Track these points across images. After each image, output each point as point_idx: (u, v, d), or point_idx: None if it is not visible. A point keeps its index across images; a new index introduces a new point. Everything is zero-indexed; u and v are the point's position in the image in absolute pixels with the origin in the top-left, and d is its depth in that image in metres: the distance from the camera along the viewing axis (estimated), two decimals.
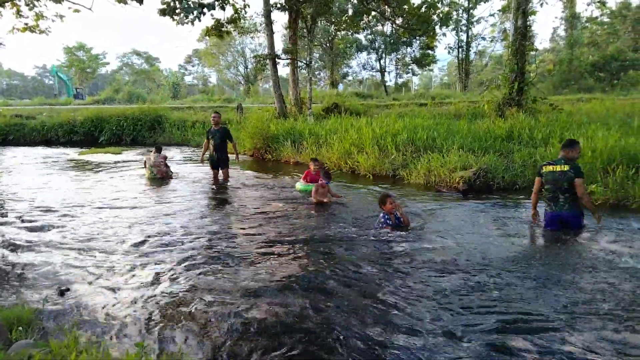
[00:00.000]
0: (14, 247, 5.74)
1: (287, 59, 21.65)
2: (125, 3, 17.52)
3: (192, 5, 17.89)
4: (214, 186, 10.45)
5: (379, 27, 51.45)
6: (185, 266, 5.04)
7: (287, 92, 22.48)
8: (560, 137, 10.65)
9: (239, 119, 20.67)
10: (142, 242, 5.96)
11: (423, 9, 24.83)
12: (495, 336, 3.44)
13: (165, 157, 11.74)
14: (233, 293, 4.32)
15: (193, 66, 78.78)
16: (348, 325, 3.67)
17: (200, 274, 4.83)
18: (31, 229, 6.60)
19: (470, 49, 51.61)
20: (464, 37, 50.57)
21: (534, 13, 16.56)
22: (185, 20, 18.11)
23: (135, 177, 11.61)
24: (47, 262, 5.19)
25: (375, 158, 11.58)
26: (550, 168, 6.12)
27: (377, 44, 53.64)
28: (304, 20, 21.26)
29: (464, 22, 49.52)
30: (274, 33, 20.94)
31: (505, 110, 15.35)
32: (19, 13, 17.68)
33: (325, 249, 5.66)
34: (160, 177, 11.29)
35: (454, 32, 50.30)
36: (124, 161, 15.05)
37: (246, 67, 61.44)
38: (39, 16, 18.73)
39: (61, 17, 19.42)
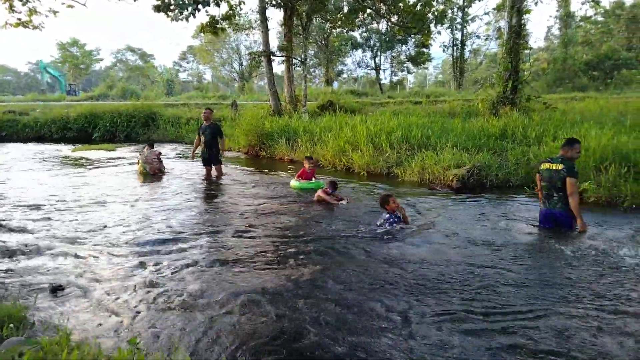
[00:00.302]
0: (4, 244, 5.70)
1: (282, 56, 21.61)
2: None
3: (186, 2, 17.76)
4: (206, 183, 10.42)
5: (374, 25, 51.32)
6: (178, 263, 5.03)
7: (282, 90, 22.45)
8: (553, 136, 10.72)
9: (234, 116, 20.64)
10: (135, 239, 5.94)
11: (418, 7, 24.74)
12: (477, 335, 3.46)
13: (159, 154, 11.72)
14: (228, 291, 4.31)
15: (188, 63, 78.50)
16: (346, 323, 3.68)
17: (193, 271, 4.82)
18: (24, 226, 6.56)
19: (465, 47, 51.58)
20: (458, 35, 50.56)
21: (528, 12, 16.58)
22: (180, 17, 17.98)
23: (128, 174, 11.55)
24: (39, 259, 5.16)
25: (369, 156, 11.60)
26: (547, 166, 6.14)
27: (372, 41, 53.56)
28: (299, 17, 21.22)
29: (458, 20, 49.49)
30: (269, 30, 20.91)
31: (499, 108, 15.41)
32: (11, 8, 17.51)
33: (322, 246, 5.65)
34: (153, 173, 11.29)
35: (448, 30, 50.24)
36: (117, 158, 14.98)
37: (241, 64, 61.19)
38: (32, 11, 18.58)
39: (55, 12, 19.25)
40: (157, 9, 17.98)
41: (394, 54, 56.78)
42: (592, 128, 10.65)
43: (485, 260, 5.02)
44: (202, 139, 10.74)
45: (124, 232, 6.28)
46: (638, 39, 51.95)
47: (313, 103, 23.34)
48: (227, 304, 4.02)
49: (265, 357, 3.20)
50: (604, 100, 21.91)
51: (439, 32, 44.82)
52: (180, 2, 17.71)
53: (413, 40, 47.76)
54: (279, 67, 40.81)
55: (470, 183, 9.33)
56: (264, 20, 20.52)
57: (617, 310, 3.80)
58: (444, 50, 52.83)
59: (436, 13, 29.59)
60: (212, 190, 9.68)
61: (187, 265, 4.96)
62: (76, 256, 5.28)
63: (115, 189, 9.54)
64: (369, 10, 29.08)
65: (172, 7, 17.92)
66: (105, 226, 6.58)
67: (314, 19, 27.89)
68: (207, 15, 19.93)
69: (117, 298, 4.16)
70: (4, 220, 6.81)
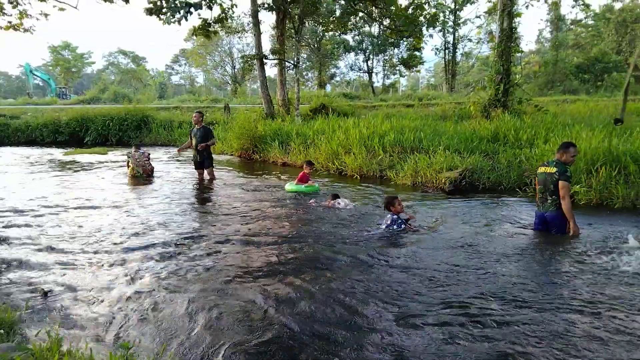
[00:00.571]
0: None
1: (274, 59, 21.62)
2: (112, 2, 17.36)
3: (178, 5, 17.76)
4: (198, 187, 10.38)
5: (367, 28, 51.51)
6: (169, 268, 5.00)
7: (275, 93, 22.45)
8: (545, 138, 10.78)
9: (226, 120, 20.61)
10: (126, 244, 5.90)
11: (410, 10, 24.88)
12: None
13: (148, 154, 11.80)
14: (219, 295, 4.30)
15: (180, 66, 78.35)
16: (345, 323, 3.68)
17: (185, 275, 4.79)
18: (13, 230, 6.51)
19: (457, 50, 51.90)
20: (450, 38, 50.85)
21: (519, 15, 16.73)
22: (172, 20, 17.97)
23: (119, 177, 11.50)
24: (29, 263, 5.12)
25: (362, 159, 11.62)
26: (542, 169, 6.19)
27: (364, 45, 53.67)
28: (291, 20, 21.23)
29: (450, 23, 49.75)
30: (261, 33, 20.90)
31: (491, 111, 15.50)
32: (1, 11, 17.38)
33: (322, 249, 5.66)
34: (147, 175, 11.35)
35: (440, 33, 50.51)
36: (109, 161, 14.91)
37: (234, 67, 61.10)
38: (23, 14, 18.48)
39: (46, 15, 19.18)
40: (149, 12, 17.96)
41: (386, 57, 56.89)
42: (583, 130, 10.73)
43: (477, 264, 5.03)
44: (193, 142, 10.72)
45: (115, 236, 6.24)
46: (627, 43, 52.47)
47: (306, 106, 23.33)
48: (219, 308, 4.00)
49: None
50: (595, 102, 22.10)
51: (430, 35, 45.03)
52: (173, 5, 17.70)
53: (405, 43, 47.91)
54: (271, 70, 40.70)
55: (462, 186, 9.38)
56: (256, 23, 20.51)
57: (600, 313, 3.82)
58: (436, 54, 53.13)
59: (428, 16, 29.68)
60: (203, 194, 9.66)
61: (179, 270, 4.94)
62: (67, 261, 5.23)
63: (106, 193, 9.48)
64: (361, 14, 29.22)
65: (164, 10, 17.90)
66: (96, 231, 6.53)
67: (307, 22, 27.96)
68: (200, 18, 19.95)
69: (109, 303, 4.13)
70: None
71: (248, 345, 3.37)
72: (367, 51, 54.29)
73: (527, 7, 20.53)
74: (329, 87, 56.86)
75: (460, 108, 19.35)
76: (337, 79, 63.59)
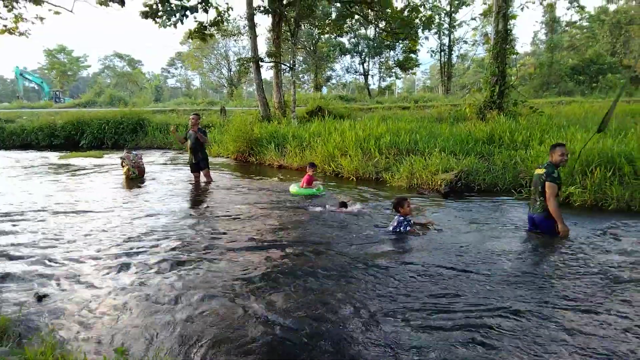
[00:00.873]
0: None
1: (270, 62, 21.62)
2: (107, 5, 17.37)
3: (174, 8, 17.78)
4: (195, 190, 10.36)
5: (363, 31, 51.64)
6: (167, 271, 5.00)
7: (271, 95, 22.45)
8: (540, 140, 10.82)
9: (223, 122, 20.60)
10: (121, 246, 5.89)
11: (406, 13, 24.90)
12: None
13: (141, 155, 12.12)
14: (218, 298, 4.29)
15: (176, 69, 78.29)
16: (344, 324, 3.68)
17: (180, 279, 4.79)
18: (7, 234, 6.48)
19: (453, 52, 52.09)
20: (446, 40, 51.04)
21: (514, 17, 16.77)
22: (168, 23, 17.97)
23: (114, 180, 11.47)
24: (24, 267, 5.10)
25: (358, 161, 11.63)
26: (535, 171, 6.24)
27: (360, 47, 53.80)
28: (287, 23, 21.24)
29: (446, 25, 49.94)
30: (257, 36, 20.91)
31: (486, 113, 15.53)
32: None
33: (327, 250, 5.67)
34: (141, 176, 11.58)
35: (436, 35, 50.70)
36: (105, 165, 14.86)
37: (230, 70, 61.16)
38: (19, 18, 18.47)
39: (41, 19, 19.20)
40: (145, 15, 17.97)
41: (382, 60, 57.03)
42: (577, 132, 10.78)
43: (469, 265, 5.05)
44: (188, 144, 10.73)
45: (110, 240, 6.22)
46: (622, 44, 52.74)
47: (302, 109, 23.34)
48: (215, 313, 4.00)
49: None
50: (590, 104, 22.18)
51: (426, 38, 45.35)
52: (168, 9, 17.70)
53: (401, 45, 48.05)
54: (267, 73, 40.68)
55: (458, 187, 9.40)
56: (252, 26, 20.51)
57: (584, 312, 3.87)
58: (431, 56, 53.31)
59: (423, 19, 29.78)
60: (200, 197, 9.62)
61: (175, 274, 4.93)
62: (61, 264, 5.22)
63: (101, 196, 9.45)
64: (357, 16, 29.27)
65: (160, 14, 17.90)
66: (91, 233, 6.52)
67: (303, 25, 28.03)
68: (195, 21, 19.94)
69: (103, 307, 4.12)
70: None
71: (243, 349, 3.37)
72: (363, 53, 54.42)
73: (522, 9, 20.73)
74: (325, 90, 57.01)
75: (455, 110, 19.37)
76: (333, 81, 63.69)
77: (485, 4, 31.32)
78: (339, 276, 4.80)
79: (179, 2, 17.80)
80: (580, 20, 54.72)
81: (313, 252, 5.66)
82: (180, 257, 5.45)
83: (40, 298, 4.27)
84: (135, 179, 11.36)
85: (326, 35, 41.62)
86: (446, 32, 50.41)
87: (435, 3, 45.08)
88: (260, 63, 21.02)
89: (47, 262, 5.31)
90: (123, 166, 11.60)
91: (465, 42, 53.66)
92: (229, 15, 20.79)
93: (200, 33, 20.48)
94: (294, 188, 9.45)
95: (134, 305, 4.13)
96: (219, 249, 5.79)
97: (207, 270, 5.01)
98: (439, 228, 6.53)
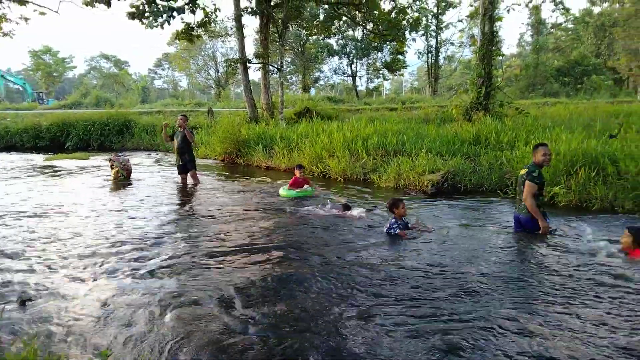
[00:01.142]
0: None
1: (258, 63, 21.60)
2: (93, 6, 17.23)
3: (161, 9, 17.67)
4: (182, 191, 10.30)
5: (350, 32, 51.80)
6: (152, 274, 4.96)
7: (259, 97, 22.41)
8: (525, 141, 10.91)
9: (210, 123, 20.51)
10: (107, 250, 5.83)
11: (393, 15, 25.05)
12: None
13: (128, 159, 12.17)
14: (204, 300, 4.27)
15: (163, 70, 77.79)
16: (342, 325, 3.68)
17: (168, 282, 4.75)
18: None
19: (440, 54, 52.38)
20: (433, 42, 51.34)
21: (500, 19, 16.94)
22: (155, 24, 17.86)
23: (101, 182, 11.37)
24: (6, 271, 5.03)
25: (346, 162, 11.65)
26: (520, 172, 6.31)
27: (348, 48, 53.95)
28: (275, 24, 21.23)
29: (433, 27, 50.26)
30: (245, 37, 20.88)
31: (472, 114, 15.64)
32: None
33: (315, 251, 5.66)
34: (129, 177, 11.67)
35: (423, 37, 50.99)
36: (91, 166, 14.73)
37: (217, 71, 60.88)
38: (2, 18, 18.24)
39: (26, 19, 18.98)
40: (132, 16, 17.85)
41: (369, 61, 57.25)
42: (562, 133, 10.89)
43: (454, 264, 5.08)
44: (175, 144, 10.67)
45: (95, 242, 6.16)
46: (606, 46, 53.45)
47: (290, 110, 23.34)
48: (200, 316, 3.98)
49: None
50: (575, 105, 22.45)
51: (413, 39, 45.54)
52: (155, 10, 17.60)
53: (388, 47, 48.28)
54: (255, 74, 40.63)
55: (444, 188, 9.45)
56: (239, 27, 20.48)
57: (564, 312, 3.90)
58: (419, 57, 53.61)
59: (411, 20, 29.93)
60: (187, 199, 9.57)
61: (161, 278, 4.89)
62: (46, 268, 5.15)
63: (88, 198, 9.37)
64: (344, 18, 29.35)
65: (146, 15, 17.79)
66: (77, 236, 6.45)
67: (290, 26, 28.01)
68: (182, 22, 19.86)
69: (87, 311, 4.07)
70: None
71: (228, 353, 3.36)
72: (351, 55, 54.60)
73: (508, 11, 20.85)
74: (313, 91, 56.99)
75: (442, 111, 19.51)
76: (321, 82, 63.78)
77: (471, 6, 31.53)
78: (326, 278, 4.79)
79: (165, 3, 17.71)
80: (565, 22, 55.47)
81: (301, 254, 5.67)
82: (167, 261, 5.40)
83: (23, 302, 4.21)
84: (123, 179, 11.41)
85: (314, 37, 41.78)
86: (433, 33, 50.74)
87: (422, 5, 45.33)
88: (248, 64, 21.00)
89: (31, 265, 5.24)
90: (112, 168, 11.55)
91: (452, 43, 54.07)
92: (216, 17, 20.75)
93: (187, 34, 20.40)
94: (283, 191, 9.40)
95: (119, 309, 4.09)
96: (206, 252, 5.76)
97: (194, 274, 4.97)
98: (432, 229, 6.54)
